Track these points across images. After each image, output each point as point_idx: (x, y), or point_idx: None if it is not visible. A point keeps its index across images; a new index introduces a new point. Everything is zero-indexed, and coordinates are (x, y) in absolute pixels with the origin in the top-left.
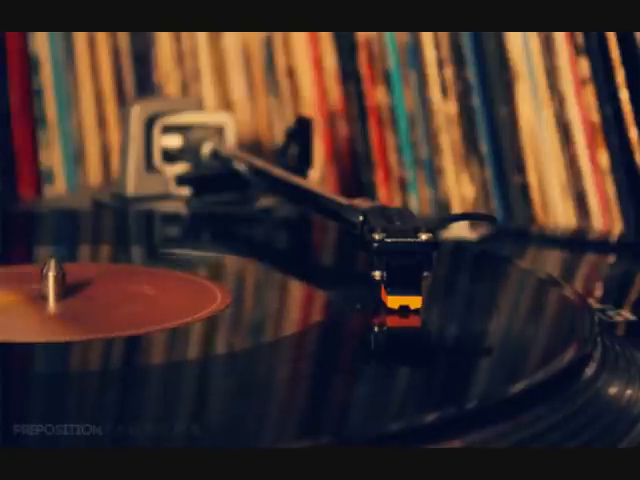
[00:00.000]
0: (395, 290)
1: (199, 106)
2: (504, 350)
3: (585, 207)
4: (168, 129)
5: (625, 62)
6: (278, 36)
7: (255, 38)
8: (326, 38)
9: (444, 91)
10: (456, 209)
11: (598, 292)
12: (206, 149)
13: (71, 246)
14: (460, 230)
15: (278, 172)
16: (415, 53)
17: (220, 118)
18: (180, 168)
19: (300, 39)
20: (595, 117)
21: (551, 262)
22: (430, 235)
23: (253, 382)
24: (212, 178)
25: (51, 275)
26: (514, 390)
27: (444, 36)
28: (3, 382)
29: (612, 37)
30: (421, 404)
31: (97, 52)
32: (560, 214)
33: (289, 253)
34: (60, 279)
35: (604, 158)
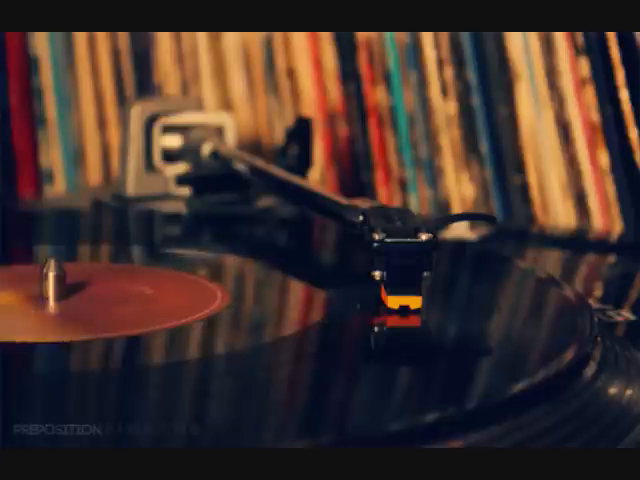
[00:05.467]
0: (395, 290)
1: (199, 106)
2: (504, 350)
3: (585, 207)
4: (168, 129)
5: (625, 62)
6: (278, 36)
7: (255, 38)
8: (326, 38)
9: (444, 91)
10: (456, 209)
11: (598, 292)
12: (206, 149)
13: (71, 246)
14: (460, 230)
15: (278, 172)
16: (415, 53)
17: (220, 118)
18: (180, 168)
19: (300, 39)
20: (595, 117)
21: (551, 262)
22: (430, 235)
23: (253, 382)
24: (212, 178)
25: (51, 275)
26: (514, 390)
27: (444, 36)
28: (3, 382)
29: (612, 37)
30: (421, 404)
31: (97, 52)
32: (560, 214)
33: (289, 253)
34: (60, 279)
35: (604, 158)
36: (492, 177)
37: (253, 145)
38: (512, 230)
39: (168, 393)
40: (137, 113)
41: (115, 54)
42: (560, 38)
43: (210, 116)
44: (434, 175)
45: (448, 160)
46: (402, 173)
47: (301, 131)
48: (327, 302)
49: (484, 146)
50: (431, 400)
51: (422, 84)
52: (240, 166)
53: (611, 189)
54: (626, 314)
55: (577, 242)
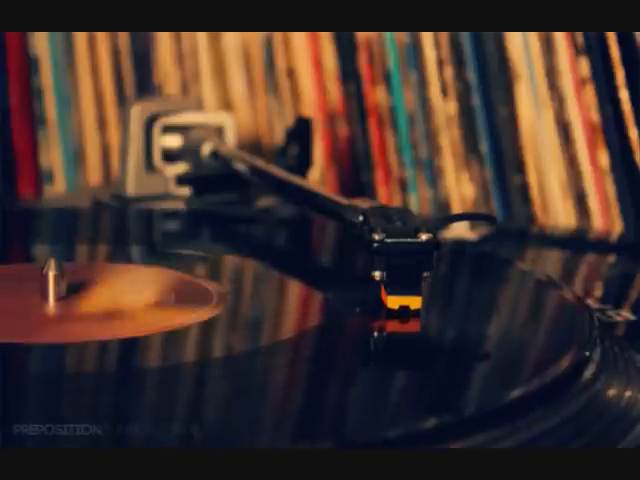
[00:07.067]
0: (395, 290)
1: (199, 106)
2: (503, 352)
3: (585, 207)
4: (168, 129)
5: (625, 62)
6: (278, 36)
7: (255, 38)
8: (326, 38)
9: (444, 91)
10: (456, 209)
11: (598, 292)
12: (206, 149)
13: (71, 246)
14: (460, 230)
15: (278, 172)
16: (415, 53)
17: (220, 118)
18: (180, 168)
19: (300, 39)
20: (595, 117)
21: (551, 262)
22: (430, 235)
23: (251, 384)
24: (212, 178)
25: (51, 275)
26: (514, 392)
27: (444, 36)
28: (3, 382)
29: (612, 37)
30: (420, 408)
31: (97, 52)
32: (560, 214)
33: (289, 253)
34: (60, 279)
35: (604, 158)
36: (492, 177)
37: (253, 145)
38: (512, 230)
39: (167, 394)
40: (137, 113)
41: (115, 54)
42: (560, 38)
43: (210, 116)
44: (434, 175)
45: (448, 160)
46: (402, 173)
47: (301, 131)
48: (326, 303)
49: (484, 146)
50: (430, 403)
51: (422, 84)
52: (240, 166)
53: (611, 189)
54: (626, 314)
55: (577, 242)
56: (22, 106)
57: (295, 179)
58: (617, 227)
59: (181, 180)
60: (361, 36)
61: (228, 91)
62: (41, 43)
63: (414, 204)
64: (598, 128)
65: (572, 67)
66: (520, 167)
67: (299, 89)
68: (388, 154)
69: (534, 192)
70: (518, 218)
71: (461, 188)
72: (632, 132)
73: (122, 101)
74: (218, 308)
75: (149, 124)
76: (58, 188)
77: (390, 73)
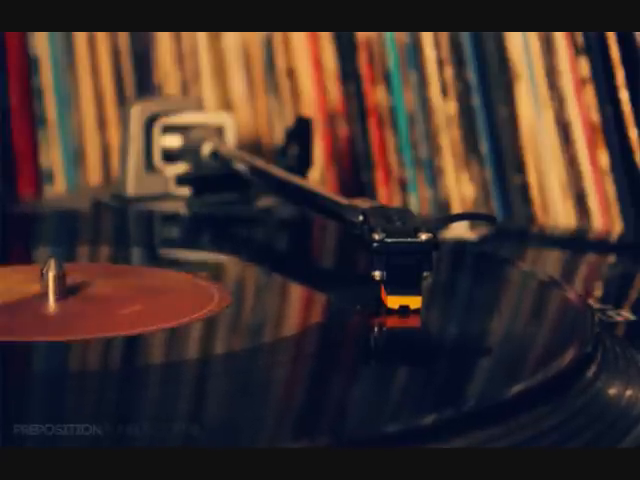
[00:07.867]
0: (395, 290)
1: (199, 106)
2: (504, 350)
3: (585, 207)
4: (168, 129)
5: (625, 62)
6: (278, 36)
7: (255, 38)
8: (326, 38)
9: (444, 91)
10: (456, 209)
11: (598, 292)
12: (206, 149)
13: (71, 246)
14: (460, 230)
15: (278, 172)
16: (415, 53)
17: (220, 118)
18: (180, 168)
19: (300, 39)
20: (595, 117)
21: (551, 262)
22: (430, 235)
23: (252, 383)
24: (212, 178)
25: (51, 275)
26: (514, 391)
27: (444, 36)
28: (3, 382)
29: (612, 37)
30: (420, 405)
31: (97, 52)
32: (560, 214)
33: (289, 253)
34: (60, 279)
35: (604, 158)
36: (492, 177)
37: (253, 145)
38: (512, 230)
39: (167, 393)
40: (137, 113)
41: (115, 54)
42: (560, 38)
43: (210, 116)
44: (434, 175)
45: (448, 160)
46: (402, 173)
47: (301, 131)
48: (326, 302)
49: (484, 146)
50: (431, 401)
51: (422, 84)
52: (240, 166)
53: (611, 189)
54: (626, 314)
55: (577, 242)
56: (22, 106)
57: (295, 179)
58: (617, 227)
59: (181, 180)
60: (361, 36)
61: (228, 91)
62: (41, 43)
63: (414, 204)
64: (598, 128)
65: (572, 67)
66: (520, 167)
67: (299, 89)
68: (388, 154)
69: (534, 192)
70: (518, 218)
71: (461, 188)
72: (632, 132)
73: (122, 101)
74: (218, 307)
75: (149, 124)
76: (58, 188)
77: (390, 73)
